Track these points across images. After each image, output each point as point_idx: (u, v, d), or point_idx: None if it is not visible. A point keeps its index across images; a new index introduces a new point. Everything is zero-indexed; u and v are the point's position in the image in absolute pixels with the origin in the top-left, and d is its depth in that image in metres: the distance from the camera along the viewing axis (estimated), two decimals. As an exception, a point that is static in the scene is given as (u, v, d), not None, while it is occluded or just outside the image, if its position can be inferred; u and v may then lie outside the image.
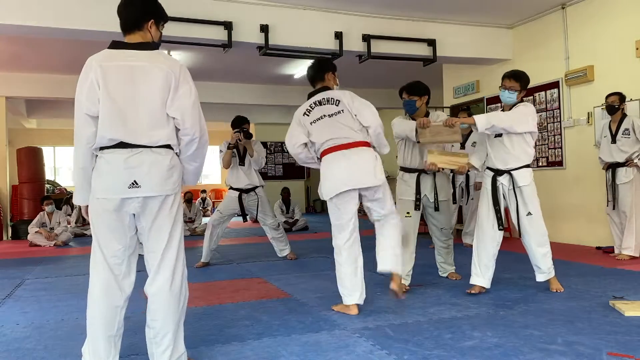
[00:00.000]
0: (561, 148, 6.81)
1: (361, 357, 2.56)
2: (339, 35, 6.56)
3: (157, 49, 2.43)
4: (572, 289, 3.84)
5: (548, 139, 7.01)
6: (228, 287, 4.40)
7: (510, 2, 6.61)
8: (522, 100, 3.92)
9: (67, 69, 9.40)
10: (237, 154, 5.69)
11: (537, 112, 7.12)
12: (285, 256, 5.98)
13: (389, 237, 3.52)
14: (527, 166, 3.84)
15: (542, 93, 7.08)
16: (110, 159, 2.20)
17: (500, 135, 3.81)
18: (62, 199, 11.88)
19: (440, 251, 4.52)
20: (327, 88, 3.56)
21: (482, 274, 3.84)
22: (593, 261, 5.23)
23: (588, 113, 6.42)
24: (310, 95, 3.58)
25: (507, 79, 3.86)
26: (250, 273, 5.12)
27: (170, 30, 5.90)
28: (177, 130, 2.30)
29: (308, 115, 3.50)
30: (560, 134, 6.81)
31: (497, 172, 3.84)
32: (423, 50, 7.05)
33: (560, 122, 6.82)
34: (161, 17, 2.48)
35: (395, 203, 4.24)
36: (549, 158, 7.00)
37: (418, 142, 3.98)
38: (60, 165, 15.75)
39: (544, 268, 3.83)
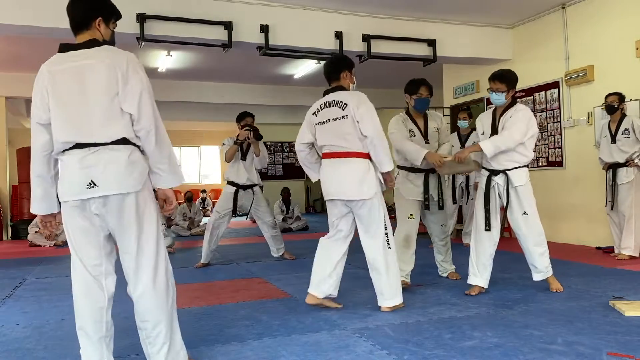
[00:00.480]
0: (561, 148, 6.81)
1: (361, 357, 2.56)
2: (339, 35, 6.56)
3: (111, 45, 2.35)
4: (572, 289, 3.84)
5: (548, 139, 7.01)
6: (228, 287, 4.40)
7: (510, 2, 6.61)
8: (514, 100, 3.85)
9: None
10: (240, 149, 5.68)
11: (537, 112, 7.14)
12: (281, 255, 5.97)
13: (381, 268, 3.40)
14: (523, 166, 3.81)
15: (542, 93, 7.08)
16: (67, 161, 2.18)
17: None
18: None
19: (440, 249, 4.52)
20: (341, 88, 3.47)
21: (479, 274, 3.84)
22: (593, 261, 5.23)
23: (588, 113, 6.42)
24: (325, 93, 3.53)
25: (493, 81, 3.80)
26: (250, 273, 5.12)
27: (170, 30, 5.92)
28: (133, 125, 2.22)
29: (316, 116, 3.50)
30: (560, 134, 6.81)
31: (493, 172, 3.83)
32: (423, 50, 7.05)
33: (560, 122, 6.82)
34: (110, 14, 2.36)
35: (392, 206, 4.24)
36: (549, 158, 7.00)
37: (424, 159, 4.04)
38: (60, 165, 15.74)
39: (540, 267, 3.83)
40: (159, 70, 9.59)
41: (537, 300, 3.61)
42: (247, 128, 5.58)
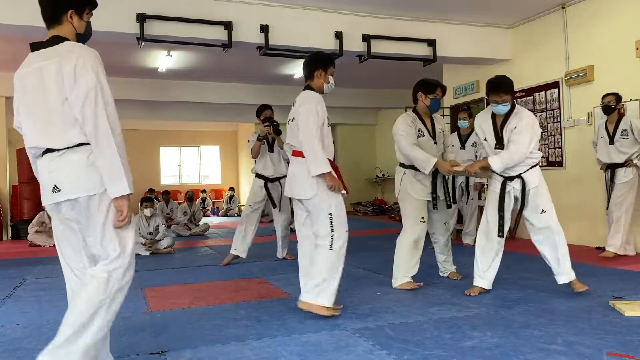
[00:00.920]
0: (561, 148, 6.81)
1: (361, 357, 2.56)
2: (339, 35, 6.56)
3: (83, 40, 2.26)
4: (572, 289, 3.84)
5: (548, 139, 7.00)
6: (228, 287, 4.40)
7: (510, 2, 6.61)
8: (513, 103, 3.77)
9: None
10: (266, 142, 5.74)
11: (537, 112, 7.14)
12: (284, 257, 5.98)
13: (315, 263, 3.33)
14: (535, 165, 3.79)
15: (542, 93, 7.08)
16: (40, 166, 2.18)
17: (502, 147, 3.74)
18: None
19: (443, 249, 4.51)
20: (308, 87, 3.52)
21: (484, 276, 3.83)
22: (593, 261, 5.23)
23: (588, 113, 6.42)
24: None
25: (497, 94, 3.65)
26: (250, 273, 5.12)
27: (170, 30, 5.92)
28: None
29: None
30: (560, 134, 6.81)
31: (508, 178, 3.77)
32: (423, 50, 7.05)
33: (560, 122, 6.82)
34: (83, 4, 2.21)
35: (406, 207, 4.21)
36: (549, 158, 7.00)
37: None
38: (60, 165, 15.75)
39: (566, 269, 3.72)
40: (159, 70, 9.60)
41: (537, 300, 3.61)
42: (267, 124, 5.64)
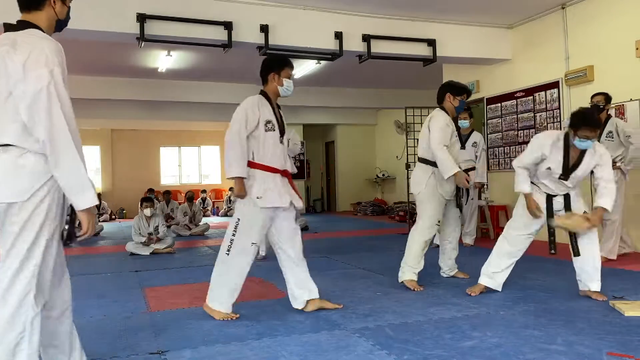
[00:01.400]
0: (561, 148, 6.80)
1: (361, 357, 2.56)
2: (339, 35, 6.56)
3: (61, 27, 2.11)
4: (572, 289, 3.84)
5: (548, 139, 7.00)
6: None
7: (510, 2, 6.61)
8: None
9: (68, 69, 9.33)
10: None
11: (537, 112, 7.15)
12: None
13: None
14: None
15: (542, 93, 7.08)
16: None
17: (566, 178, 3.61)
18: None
19: (455, 245, 4.48)
20: (262, 92, 3.46)
21: (493, 276, 3.82)
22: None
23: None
24: None
25: (590, 130, 3.37)
26: (250, 273, 5.10)
27: (170, 30, 5.92)
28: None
29: None
30: (560, 134, 6.80)
31: (553, 195, 3.69)
32: (423, 50, 7.04)
33: (560, 122, 6.82)
34: None
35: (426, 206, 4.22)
36: (549, 158, 7.00)
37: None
38: (60, 165, 15.76)
39: (599, 275, 3.64)
40: (159, 70, 9.60)
41: (537, 300, 3.61)
42: None
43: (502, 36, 7.52)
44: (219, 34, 6.04)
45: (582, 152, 3.54)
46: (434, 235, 4.48)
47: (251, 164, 3.31)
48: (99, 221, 10.89)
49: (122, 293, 4.30)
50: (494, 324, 3.05)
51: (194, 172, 17.43)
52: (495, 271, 3.82)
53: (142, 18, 5.68)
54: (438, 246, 4.65)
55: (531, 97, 7.24)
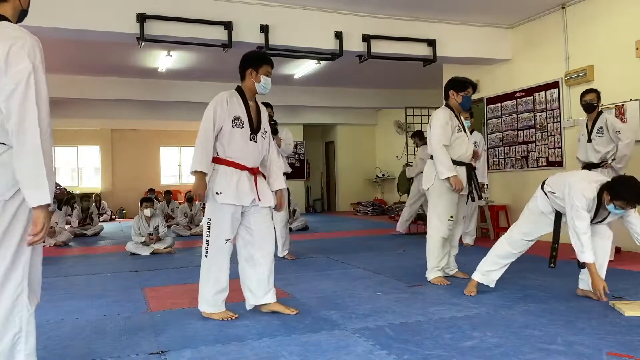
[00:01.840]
0: (561, 148, 6.81)
1: (361, 357, 2.56)
2: (339, 35, 6.56)
3: (22, 18, 2.07)
4: (572, 289, 3.83)
5: (548, 139, 7.01)
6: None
7: (510, 2, 6.61)
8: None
9: (67, 69, 9.40)
10: None
11: (537, 112, 7.15)
12: (283, 257, 5.97)
13: None
14: None
15: (542, 93, 7.08)
16: None
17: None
18: (62, 199, 11.92)
19: (456, 243, 4.51)
20: (238, 88, 3.45)
21: (487, 274, 3.82)
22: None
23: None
24: None
25: (631, 204, 3.24)
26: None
27: (170, 30, 5.93)
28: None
29: None
30: (560, 134, 6.81)
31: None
32: (423, 50, 7.05)
33: (560, 122, 6.83)
34: None
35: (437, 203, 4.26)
36: (548, 158, 7.00)
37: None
38: (60, 166, 15.76)
39: (604, 275, 3.56)
40: (159, 70, 9.60)
41: (537, 300, 3.61)
42: None
43: (502, 36, 7.52)
44: (219, 34, 6.05)
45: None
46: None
47: (216, 160, 3.29)
48: (99, 221, 10.89)
49: (122, 293, 4.30)
50: (494, 324, 3.05)
51: (194, 172, 17.41)
52: (490, 269, 3.83)
53: (142, 18, 5.68)
54: None
55: (531, 97, 7.24)
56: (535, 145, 7.20)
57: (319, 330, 3.02)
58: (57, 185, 13.89)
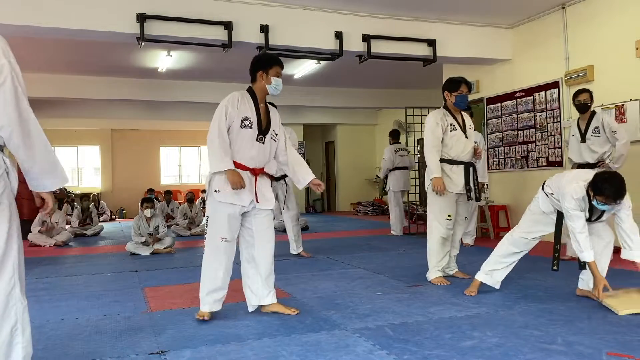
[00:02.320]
0: (561, 148, 6.81)
1: (361, 357, 2.56)
2: (339, 35, 6.56)
3: None
4: (572, 289, 3.84)
5: (548, 139, 7.01)
6: (228, 287, 4.40)
7: (510, 2, 6.61)
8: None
9: (67, 69, 9.41)
10: None
11: (537, 112, 7.15)
12: (299, 254, 6.03)
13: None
14: None
15: (542, 93, 7.08)
16: None
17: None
18: (62, 199, 11.93)
19: (456, 244, 4.52)
20: (249, 89, 3.45)
21: (491, 274, 3.82)
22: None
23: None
24: None
25: (615, 201, 3.23)
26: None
27: (170, 30, 5.93)
28: None
29: None
30: (560, 134, 6.81)
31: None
32: (423, 50, 7.05)
33: (560, 122, 6.82)
34: None
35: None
36: (548, 158, 7.00)
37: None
38: (60, 166, 15.77)
39: (604, 275, 3.55)
40: (159, 70, 9.60)
41: (537, 300, 3.61)
42: None
43: (502, 36, 7.52)
44: (219, 34, 6.05)
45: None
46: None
47: None
48: (99, 221, 10.89)
49: (122, 293, 4.30)
50: (494, 324, 3.05)
51: (194, 172, 17.44)
52: (493, 269, 3.82)
53: (142, 18, 5.68)
54: None
55: (531, 97, 7.24)
56: (535, 145, 7.20)
57: (319, 330, 3.02)
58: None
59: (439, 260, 4.30)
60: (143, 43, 5.86)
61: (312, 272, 5.02)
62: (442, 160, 4.27)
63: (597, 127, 5.08)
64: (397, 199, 8.30)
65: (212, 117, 3.29)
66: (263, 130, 3.37)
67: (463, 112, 4.52)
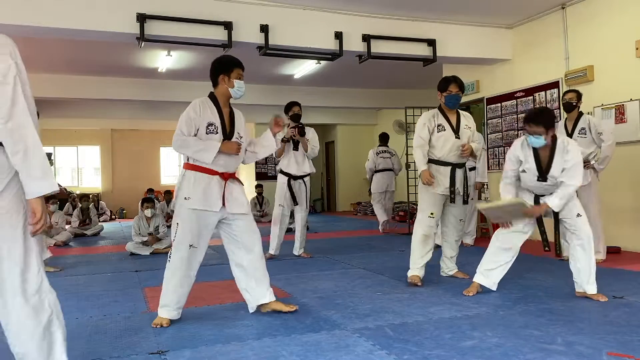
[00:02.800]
0: (561, 148, 6.80)
1: (361, 357, 2.56)
2: (339, 35, 6.56)
3: None
4: (572, 289, 3.84)
5: (548, 139, 7.00)
6: (228, 287, 4.39)
7: (510, 2, 6.61)
8: (555, 138, 3.60)
9: (68, 69, 9.41)
10: (292, 141, 5.81)
11: (537, 112, 7.13)
12: (299, 255, 6.02)
13: None
14: None
15: (542, 93, 7.08)
16: None
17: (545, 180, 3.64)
18: (64, 199, 11.93)
19: (453, 245, 4.52)
20: (210, 94, 3.43)
21: (487, 274, 3.82)
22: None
23: (588, 113, 6.41)
24: None
25: (528, 124, 3.51)
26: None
27: (170, 30, 5.92)
28: None
29: None
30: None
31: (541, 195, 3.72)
32: (423, 50, 7.05)
33: (560, 121, 6.82)
34: None
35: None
36: (549, 158, 7.00)
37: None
38: (60, 166, 15.77)
39: (593, 278, 3.62)
40: (159, 70, 9.60)
41: (537, 300, 3.61)
42: (293, 126, 5.74)
43: (502, 36, 7.52)
44: (219, 34, 6.04)
45: (552, 152, 3.58)
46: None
47: (187, 166, 3.29)
48: (99, 221, 10.89)
49: (122, 293, 4.30)
50: (494, 324, 3.05)
51: (194, 172, 17.43)
52: (488, 268, 3.83)
53: (142, 18, 5.68)
54: (439, 246, 4.65)
55: (531, 97, 7.24)
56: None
57: (319, 330, 3.02)
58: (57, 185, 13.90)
59: (418, 257, 4.25)
60: (143, 43, 5.85)
61: (312, 272, 5.02)
62: (429, 161, 4.28)
63: (583, 128, 5.12)
64: (379, 200, 8.59)
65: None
66: (228, 134, 3.33)
67: (463, 112, 4.50)
